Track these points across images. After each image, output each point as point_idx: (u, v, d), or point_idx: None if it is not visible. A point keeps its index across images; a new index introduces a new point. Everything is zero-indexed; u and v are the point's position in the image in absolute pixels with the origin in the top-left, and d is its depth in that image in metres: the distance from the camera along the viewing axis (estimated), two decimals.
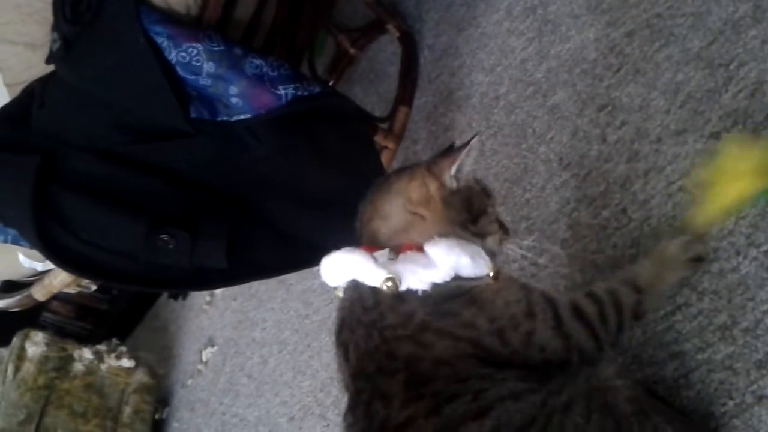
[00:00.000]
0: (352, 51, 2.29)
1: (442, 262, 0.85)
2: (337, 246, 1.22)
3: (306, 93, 1.39)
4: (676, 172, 1.14)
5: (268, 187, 1.43)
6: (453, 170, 0.90)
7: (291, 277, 1.97)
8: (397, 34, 2.08)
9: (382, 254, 0.88)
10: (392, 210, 0.91)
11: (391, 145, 1.87)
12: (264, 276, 1.61)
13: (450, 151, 0.97)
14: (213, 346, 2.26)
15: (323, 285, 1.96)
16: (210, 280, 1.42)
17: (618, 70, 1.34)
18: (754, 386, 0.92)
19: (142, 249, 1.26)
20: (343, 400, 0.89)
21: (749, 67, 1.10)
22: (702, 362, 0.98)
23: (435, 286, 0.85)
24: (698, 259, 1.01)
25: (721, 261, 1.01)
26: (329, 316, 1.77)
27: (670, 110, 1.20)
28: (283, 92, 1.35)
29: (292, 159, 1.41)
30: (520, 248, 1.00)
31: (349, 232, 1.03)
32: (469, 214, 0.91)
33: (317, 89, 1.41)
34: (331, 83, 2.21)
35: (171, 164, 1.33)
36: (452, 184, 0.90)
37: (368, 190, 0.98)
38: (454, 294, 0.86)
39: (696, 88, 1.17)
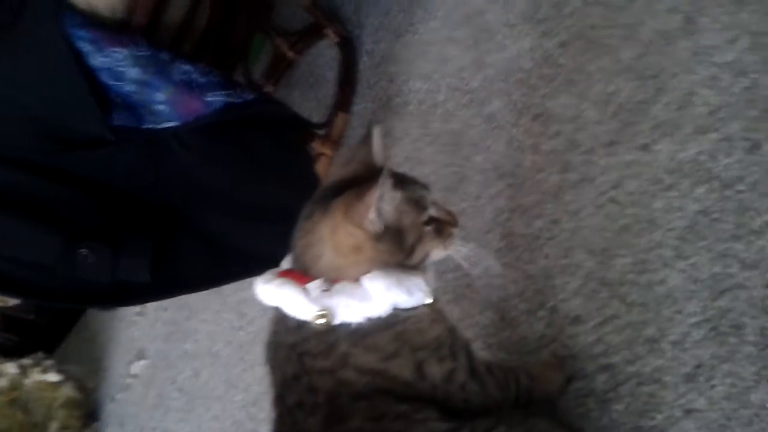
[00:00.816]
0: (290, 55, 2.24)
1: (379, 297, 0.83)
2: (273, 256, 1.19)
3: (238, 100, 1.34)
4: (607, 182, 1.14)
5: (197, 196, 1.38)
6: (372, 215, 0.82)
7: (225, 287, 1.91)
8: (336, 39, 2.05)
9: (316, 285, 0.84)
10: (323, 251, 0.86)
11: (328, 151, 1.84)
12: (194, 290, 1.57)
13: (362, 183, 0.86)
14: (143, 358, 2.18)
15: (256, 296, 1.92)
16: (134, 295, 1.37)
17: (552, 80, 1.34)
18: (683, 400, 0.92)
19: (60, 263, 1.20)
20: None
21: (679, 78, 1.11)
22: (631, 375, 0.98)
23: (368, 319, 0.83)
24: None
25: (649, 273, 1.01)
26: (264, 328, 1.72)
27: (601, 121, 1.20)
28: (212, 99, 1.30)
29: (223, 167, 1.37)
30: (459, 255, 0.97)
31: (285, 243, 1.00)
32: (403, 249, 0.86)
33: (250, 96, 1.37)
34: (269, 88, 2.16)
35: (92, 174, 1.27)
36: (376, 226, 0.83)
37: (301, 215, 0.92)
38: (383, 327, 0.84)
39: (627, 99, 1.18)
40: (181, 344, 2.04)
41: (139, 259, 1.25)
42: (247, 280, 1.52)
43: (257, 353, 1.76)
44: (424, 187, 0.91)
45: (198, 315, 2.03)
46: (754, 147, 0.97)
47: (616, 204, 1.11)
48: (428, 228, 0.88)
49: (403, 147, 1.64)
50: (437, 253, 0.90)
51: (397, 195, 0.85)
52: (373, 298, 0.83)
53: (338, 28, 2.05)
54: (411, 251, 0.87)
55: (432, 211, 0.89)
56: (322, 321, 0.83)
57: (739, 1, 1.07)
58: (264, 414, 1.60)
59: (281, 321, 0.89)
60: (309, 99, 2.13)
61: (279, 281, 0.87)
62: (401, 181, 0.88)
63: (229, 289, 1.94)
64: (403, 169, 0.96)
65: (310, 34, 2.18)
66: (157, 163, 1.33)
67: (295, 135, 1.57)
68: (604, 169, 1.16)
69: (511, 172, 1.33)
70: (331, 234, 0.85)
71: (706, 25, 1.10)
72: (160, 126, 1.30)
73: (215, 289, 1.95)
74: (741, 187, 0.97)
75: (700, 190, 1.01)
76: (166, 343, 2.11)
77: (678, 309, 0.97)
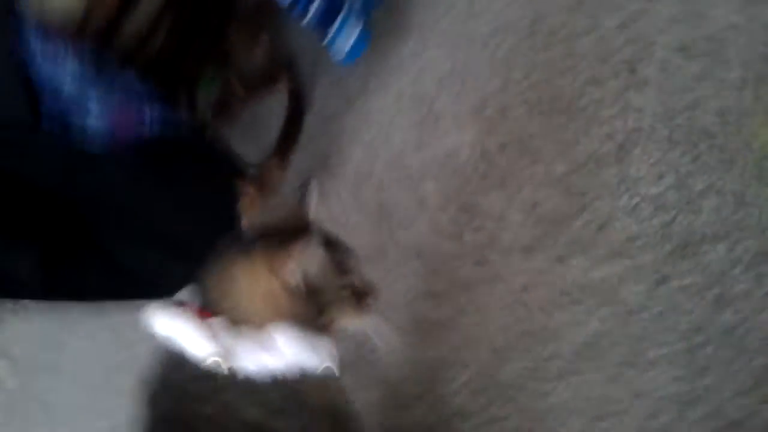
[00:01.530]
0: (240, 95, 2.23)
1: (284, 349, 0.79)
2: (170, 286, 1.13)
3: (172, 122, 1.32)
4: (518, 285, 1.16)
5: (106, 209, 1.32)
6: (292, 267, 0.80)
7: (110, 307, 1.82)
8: (288, 90, 2.05)
9: (219, 323, 0.80)
10: (235, 292, 0.82)
11: (254, 193, 1.81)
12: (78, 299, 1.48)
13: (289, 235, 0.84)
14: (6, 358, 2.03)
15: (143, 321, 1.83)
16: (12, 290, 1.28)
17: (485, 177, 1.37)
18: None
19: None
20: None
21: (604, 201, 1.16)
22: None
23: (265, 370, 0.79)
24: None
25: (540, 381, 1.02)
26: (141, 356, 1.64)
27: (524, 225, 1.23)
28: (148, 113, 1.27)
29: (140, 186, 1.32)
30: (368, 327, 0.95)
31: (185, 276, 0.96)
32: (315, 310, 0.84)
33: (186, 121, 1.34)
34: (209, 121, 2.14)
35: (2, 156, 1.20)
36: (295, 279, 0.81)
37: (216, 251, 0.88)
38: (277, 381, 0.80)
39: (551, 210, 1.21)
40: (50, 353, 1.91)
41: (25, 252, 1.18)
42: (134, 303, 1.46)
43: (127, 380, 1.67)
44: (350, 252, 0.89)
45: (76, 328, 1.92)
46: (663, 280, 1.01)
47: (523, 307, 1.13)
48: (345, 293, 0.86)
49: (331, 207, 1.64)
50: (348, 319, 0.88)
51: (321, 253, 0.83)
52: (278, 349, 0.79)
53: (291, 80, 2.06)
54: (323, 312, 0.84)
55: (352, 278, 0.87)
56: (216, 362, 0.78)
57: (672, 140, 1.13)
58: None
59: (165, 355, 0.84)
60: (248, 140, 2.11)
61: (178, 310, 0.83)
62: (329, 241, 0.87)
63: (113, 308, 1.85)
64: (326, 228, 0.94)
65: (264, 79, 2.18)
66: (76, 167, 1.28)
67: (224, 172, 1.54)
68: (517, 272, 1.18)
69: (429, 254, 1.34)
70: (248, 276, 0.81)
71: (638, 156, 1.16)
72: (87, 128, 1.25)
73: (99, 306, 1.86)
74: (644, 316, 1.00)
75: (605, 311, 1.03)
76: (35, 349, 1.98)
77: (562, 422, 0.97)
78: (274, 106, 2.10)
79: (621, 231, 1.10)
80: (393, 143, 1.64)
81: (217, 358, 0.78)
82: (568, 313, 1.07)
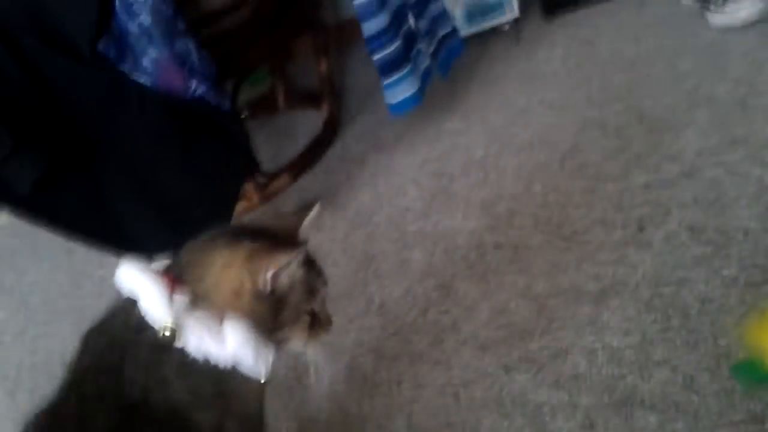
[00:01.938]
0: (280, 103, 2.30)
1: (231, 346, 0.81)
2: (144, 247, 1.15)
3: (213, 102, 1.36)
4: (459, 378, 1.18)
5: (119, 154, 1.36)
6: (269, 275, 0.82)
7: (80, 252, 1.83)
8: (326, 116, 2.11)
9: (183, 299, 0.82)
10: (207, 277, 0.84)
11: (255, 199, 1.85)
12: (56, 224, 1.49)
13: (277, 244, 0.86)
14: None
15: (103, 277, 1.85)
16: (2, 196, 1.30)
17: (471, 267, 1.41)
18: None
19: None
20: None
21: (566, 333, 1.19)
22: None
23: (206, 359, 0.81)
24: None
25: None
26: (89, 308, 1.65)
27: (487, 325, 1.26)
28: (193, 86, 1.32)
29: (160, 146, 1.36)
30: (313, 358, 0.95)
31: (166, 245, 0.98)
32: (273, 321, 0.85)
33: (226, 106, 1.39)
34: (244, 114, 2.19)
35: (49, 76, 1.24)
36: (266, 287, 0.82)
37: (206, 232, 0.90)
38: (213, 375, 0.82)
39: (517, 322, 1.24)
40: (9, 275, 1.91)
41: (30, 165, 1.21)
42: (105, 260, 1.48)
43: (66, 328, 1.68)
44: (325, 282, 0.91)
45: (38, 258, 1.93)
46: (590, 426, 1.04)
47: (455, 400, 1.15)
48: (306, 317, 0.88)
49: (321, 238, 1.67)
50: (298, 343, 0.89)
51: (300, 273, 0.85)
52: (224, 343, 0.81)
53: (333, 108, 2.12)
54: (280, 327, 0.86)
55: (317, 306, 0.90)
56: (168, 334, 0.79)
57: (650, 306, 1.17)
58: (34, 384, 1.51)
59: (123, 312, 0.85)
60: (270, 147, 2.17)
61: (150, 274, 0.84)
62: (310, 263, 0.89)
63: (82, 255, 1.86)
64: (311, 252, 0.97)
65: (310, 98, 2.25)
66: (107, 105, 1.31)
67: (239, 164, 1.57)
68: (464, 365, 1.20)
69: (392, 317, 1.37)
70: (223, 268, 0.83)
71: (614, 306, 1.19)
72: (133, 76, 1.29)
73: (70, 248, 1.87)
74: None
75: None
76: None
77: None
78: (305, 126, 2.17)
79: (572, 366, 1.13)
80: (400, 203, 1.68)
81: (169, 330, 0.79)
82: (493, 422, 1.09)
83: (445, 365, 1.22)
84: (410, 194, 1.70)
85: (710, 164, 1.40)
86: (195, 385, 0.82)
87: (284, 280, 0.83)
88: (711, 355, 1.06)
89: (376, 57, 1.65)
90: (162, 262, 0.90)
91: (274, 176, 1.91)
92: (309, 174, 1.96)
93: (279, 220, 0.93)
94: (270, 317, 0.84)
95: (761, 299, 1.11)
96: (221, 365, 0.81)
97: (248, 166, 1.65)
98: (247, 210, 1.85)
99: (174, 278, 0.84)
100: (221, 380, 0.83)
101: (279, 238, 0.87)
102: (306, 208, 0.94)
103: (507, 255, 1.41)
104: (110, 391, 0.80)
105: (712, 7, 1.77)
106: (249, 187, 1.81)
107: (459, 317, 1.30)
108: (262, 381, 0.85)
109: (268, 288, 0.82)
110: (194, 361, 0.80)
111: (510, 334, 1.23)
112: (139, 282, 0.83)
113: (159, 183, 1.42)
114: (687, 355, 1.07)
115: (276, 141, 2.19)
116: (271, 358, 0.85)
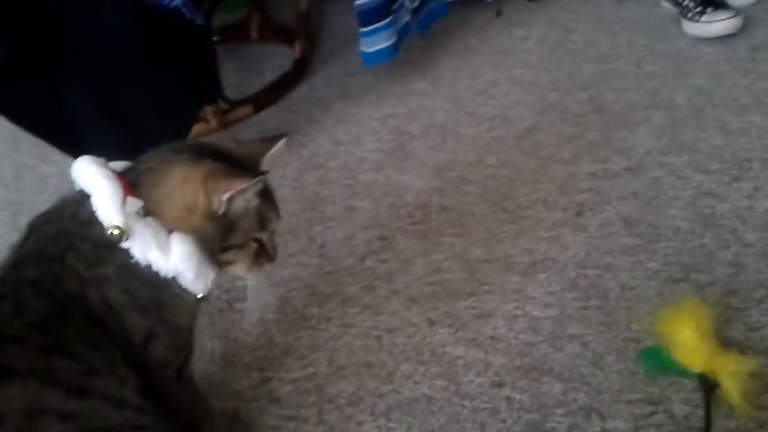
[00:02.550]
0: (253, 34, 2.28)
1: (174, 257, 0.82)
2: (93, 148, 1.13)
3: (188, 15, 1.35)
4: (384, 323, 1.23)
5: (87, 57, 1.33)
6: (225, 197, 0.82)
7: (26, 143, 1.80)
8: (297, 55, 2.10)
9: (136, 203, 0.82)
10: (162, 188, 0.85)
11: (213, 123, 1.84)
12: (8, 117, 1.46)
13: (238, 168, 0.87)
14: None
15: (47, 174, 1.82)
16: None
17: (414, 224, 1.45)
18: None
19: None
20: None
21: (492, 297, 1.24)
22: None
23: (148, 266, 0.82)
24: None
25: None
26: (28, 203, 1.63)
27: (420, 279, 1.31)
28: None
29: (126, 54, 1.34)
30: (252, 284, 0.96)
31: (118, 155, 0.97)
32: (221, 243, 0.86)
33: (200, 22, 1.38)
34: (214, 38, 2.16)
35: None
36: (219, 208, 0.83)
37: (168, 144, 0.91)
38: (152, 282, 0.84)
39: (449, 280, 1.29)
40: None
41: None
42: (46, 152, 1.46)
43: (5, 216, 1.66)
44: (277, 215, 0.93)
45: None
46: (499, 384, 1.09)
47: (378, 343, 1.20)
48: (253, 245, 0.90)
49: (273, 173, 1.68)
50: (240, 268, 0.91)
51: (255, 201, 0.87)
52: (169, 254, 0.82)
53: (306, 48, 2.11)
54: (226, 250, 0.87)
55: (265, 236, 0.91)
56: (116, 234, 0.80)
57: (574, 284, 1.24)
58: None
59: (73, 204, 0.86)
60: (236, 75, 2.15)
61: (107, 171, 0.84)
62: (267, 194, 0.90)
63: (28, 147, 1.83)
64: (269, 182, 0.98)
65: (283, 33, 2.23)
66: (78, 5, 1.29)
67: (204, 85, 1.56)
68: (391, 312, 1.25)
69: (330, 258, 1.40)
70: (181, 181, 0.84)
71: (541, 280, 1.25)
72: None
73: (17, 137, 1.84)
74: (467, 403, 1.07)
75: (440, 383, 1.11)
76: None
77: None
78: (275, 61, 2.15)
79: (492, 329, 1.18)
80: (357, 152, 1.70)
81: (116, 230, 0.80)
82: (410, 367, 1.14)
83: (373, 310, 1.26)
84: (368, 145, 1.72)
85: (656, 164, 1.47)
86: (133, 288, 0.84)
87: (239, 204, 0.85)
88: (622, 337, 1.13)
89: (358, 3, 1.65)
90: (120, 163, 0.90)
91: (236, 104, 1.90)
92: (271, 109, 1.96)
93: (243, 147, 0.94)
94: (218, 238, 0.86)
95: (678, 294, 1.18)
96: (162, 274, 0.83)
97: (212, 88, 1.64)
98: (204, 132, 1.84)
99: (129, 183, 0.84)
100: (159, 288, 0.85)
101: (240, 163, 0.88)
102: (272, 139, 0.95)
103: (450, 218, 1.45)
104: (49, 279, 0.82)
105: (689, 15, 1.82)
106: (209, 111, 1.80)
107: (394, 268, 1.34)
108: (199, 297, 0.87)
109: (222, 210, 0.84)
110: (136, 264, 0.82)
111: (440, 291, 1.27)
112: (94, 177, 0.84)
113: (119, 90, 1.40)
114: (599, 334, 1.14)
115: (243, 71, 2.18)
116: (211, 277, 0.87)
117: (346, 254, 1.40)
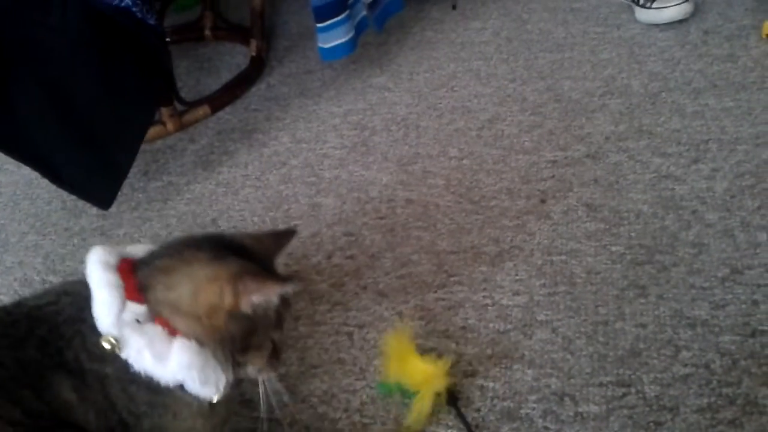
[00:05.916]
0: (207, 33, 2.25)
1: (173, 367, 0.79)
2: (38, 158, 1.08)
3: (140, 15, 1.32)
4: (355, 320, 1.22)
5: (35, 61, 1.30)
6: (255, 299, 0.81)
7: None
8: (253, 53, 2.08)
9: (136, 310, 0.79)
10: (179, 287, 0.81)
11: (170, 126, 1.81)
12: None
13: (269, 271, 0.88)
14: None
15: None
16: None
17: (380, 218, 1.44)
18: None
19: None
20: None
21: (462, 288, 1.24)
22: None
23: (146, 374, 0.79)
24: None
25: None
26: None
27: (389, 273, 1.30)
28: None
29: (76, 56, 1.31)
30: (268, 385, 0.93)
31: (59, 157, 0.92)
32: (242, 343, 0.84)
33: (151, 21, 1.35)
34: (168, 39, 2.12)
35: None
36: (247, 309, 0.82)
37: (182, 241, 0.89)
38: (152, 387, 0.80)
39: (418, 272, 1.29)
40: None
41: None
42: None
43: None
44: (291, 313, 0.93)
45: None
46: (472, 374, 1.09)
47: (349, 340, 1.18)
48: (269, 344, 0.88)
49: (234, 173, 1.66)
50: (253, 369, 0.88)
51: (276, 301, 0.85)
52: (167, 363, 0.79)
53: (262, 46, 2.09)
54: (245, 350, 0.85)
55: (281, 334, 0.90)
56: (108, 347, 0.77)
57: (541, 271, 1.24)
58: None
59: (74, 290, 0.83)
60: (191, 76, 2.12)
61: (110, 279, 0.81)
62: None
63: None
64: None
65: (237, 32, 2.20)
66: (27, 4, 1.25)
67: (157, 87, 1.54)
68: (362, 309, 1.24)
69: (297, 257, 1.38)
70: (207, 280, 0.81)
71: (509, 268, 1.26)
72: None
73: None
74: None
75: None
76: None
77: None
78: (230, 61, 2.13)
79: (462, 319, 1.18)
80: (319, 149, 1.69)
81: (108, 343, 0.77)
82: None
83: (343, 307, 1.25)
84: (330, 142, 1.71)
85: (615, 149, 1.49)
86: (134, 393, 0.80)
87: (268, 306, 0.84)
88: (590, 321, 1.14)
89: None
90: (140, 248, 0.88)
91: (193, 105, 1.87)
92: (229, 108, 1.93)
93: (259, 243, 0.92)
94: (239, 339, 0.83)
95: (642, 276, 1.19)
96: (162, 383, 0.80)
97: (166, 89, 1.61)
98: (160, 135, 1.81)
99: (137, 283, 0.81)
100: (159, 391, 0.81)
101: (260, 261, 0.87)
102: (283, 234, 0.95)
103: (416, 211, 1.44)
104: (45, 364, 0.78)
105: (641, 1, 1.85)
106: (165, 113, 1.77)
107: (363, 264, 1.34)
108: (214, 401, 0.84)
109: (249, 311, 0.82)
110: (136, 371, 0.79)
111: (409, 284, 1.27)
112: (98, 281, 0.80)
113: (70, 94, 1.36)
114: (568, 319, 1.15)
115: (198, 71, 2.15)
116: (224, 380, 0.83)
117: (313, 251, 1.39)
